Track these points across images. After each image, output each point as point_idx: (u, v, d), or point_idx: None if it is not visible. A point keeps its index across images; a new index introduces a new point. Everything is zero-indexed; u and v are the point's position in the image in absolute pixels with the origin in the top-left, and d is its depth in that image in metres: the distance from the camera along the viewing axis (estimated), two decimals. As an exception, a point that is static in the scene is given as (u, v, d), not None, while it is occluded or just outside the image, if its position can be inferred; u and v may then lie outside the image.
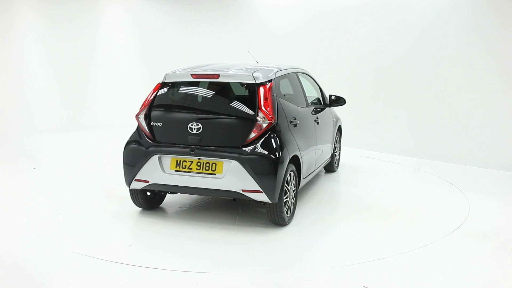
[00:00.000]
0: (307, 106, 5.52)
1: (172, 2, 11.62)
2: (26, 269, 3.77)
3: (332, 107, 6.52)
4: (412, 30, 8.08)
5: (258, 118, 4.42)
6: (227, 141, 4.45)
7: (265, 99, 4.49)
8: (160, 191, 5.04)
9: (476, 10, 7.34)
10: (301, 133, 5.02)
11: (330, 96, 6.29)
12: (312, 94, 6.26)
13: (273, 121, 4.45)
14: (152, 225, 4.74)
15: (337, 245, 4.29)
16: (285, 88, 5.17)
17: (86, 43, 10.85)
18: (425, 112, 8.05)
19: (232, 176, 4.35)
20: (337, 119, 6.87)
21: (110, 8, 11.25)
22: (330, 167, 6.82)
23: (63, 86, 10.60)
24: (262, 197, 4.35)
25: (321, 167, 6.12)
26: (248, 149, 4.37)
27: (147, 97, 4.87)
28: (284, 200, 4.56)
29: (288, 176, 4.58)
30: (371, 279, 3.57)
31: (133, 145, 4.74)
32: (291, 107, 4.96)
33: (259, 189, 4.32)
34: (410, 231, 4.63)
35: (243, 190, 4.37)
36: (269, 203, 4.45)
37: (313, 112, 5.69)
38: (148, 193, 5.07)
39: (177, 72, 4.93)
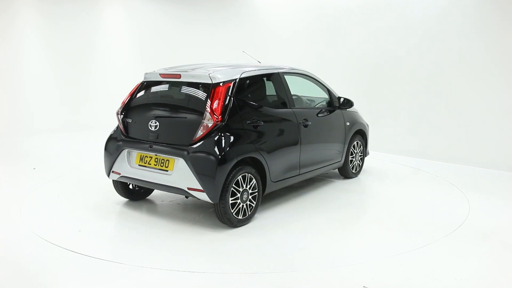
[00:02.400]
0: (289, 108, 5.34)
1: (172, 2, 11.62)
2: (26, 269, 3.77)
3: (350, 110, 6.38)
4: (412, 30, 8.08)
5: (204, 117, 4.47)
6: (179, 139, 4.57)
7: (216, 99, 4.52)
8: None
9: (478, 10, 7.34)
10: (267, 134, 4.91)
11: (339, 98, 6.17)
12: (314, 95, 6.23)
13: (218, 122, 4.45)
14: (151, 224, 4.74)
15: (337, 245, 4.29)
16: (257, 88, 5.08)
17: (86, 43, 10.85)
18: (425, 112, 8.05)
19: (179, 174, 4.48)
20: (354, 123, 6.43)
21: (110, 8, 11.26)
22: (344, 172, 6.50)
23: (63, 86, 10.60)
24: (204, 196, 4.40)
25: (321, 171, 5.93)
26: (193, 147, 4.45)
27: (127, 95, 5.21)
28: (232, 202, 4.50)
29: (239, 177, 4.54)
30: (371, 279, 3.57)
31: (111, 139, 5.11)
32: (254, 108, 4.87)
33: (201, 188, 4.38)
34: (410, 231, 4.63)
35: (188, 188, 4.46)
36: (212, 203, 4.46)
37: (303, 113, 5.51)
38: (137, 186, 5.35)
39: (155, 71, 5.14)
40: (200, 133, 4.46)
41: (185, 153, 4.44)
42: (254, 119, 4.78)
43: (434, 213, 5.18)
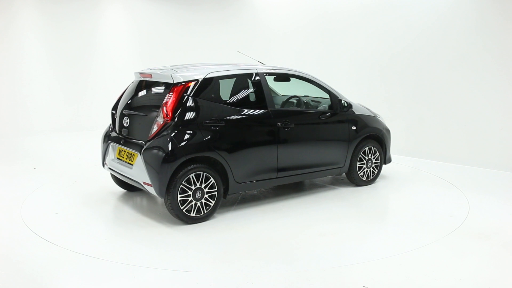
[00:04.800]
0: (267, 109, 5.17)
1: (173, 2, 11.62)
2: (26, 269, 3.77)
3: (363, 113, 6.08)
4: (412, 30, 8.07)
5: (158, 115, 4.68)
6: (141, 135, 4.83)
7: (170, 98, 4.66)
8: None
9: (477, 10, 7.34)
10: (230, 135, 4.87)
11: (340, 101, 5.83)
12: (307, 96, 6.16)
13: (168, 120, 4.61)
14: (150, 221, 4.75)
15: (337, 245, 4.29)
16: (225, 88, 5.08)
17: (86, 43, 10.85)
18: (425, 112, 8.05)
19: (138, 168, 4.71)
20: (364, 127, 6.01)
21: (110, 7, 11.26)
22: (352, 179, 6.10)
23: (63, 86, 10.60)
24: (153, 191, 4.58)
25: (314, 176, 5.71)
26: (147, 144, 4.67)
27: (121, 93, 5.59)
28: (182, 198, 4.59)
29: (191, 175, 4.61)
30: (371, 279, 3.57)
31: (105, 134, 5.51)
32: (216, 108, 4.86)
33: (150, 182, 4.57)
34: (410, 231, 4.64)
35: (144, 183, 4.69)
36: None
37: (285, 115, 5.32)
38: None
39: (142, 71, 5.38)
40: (154, 130, 4.66)
41: (141, 148, 4.68)
42: (213, 119, 4.80)
43: (434, 213, 5.18)
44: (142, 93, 5.18)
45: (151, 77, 5.07)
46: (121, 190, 5.88)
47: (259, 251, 4.14)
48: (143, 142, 4.71)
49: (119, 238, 4.54)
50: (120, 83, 11.21)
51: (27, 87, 10.12)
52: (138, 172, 4.70)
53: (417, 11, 7.99)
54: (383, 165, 6.46)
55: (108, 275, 3.66)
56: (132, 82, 5.42)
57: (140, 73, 5.25)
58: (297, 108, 5.84)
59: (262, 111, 5.17)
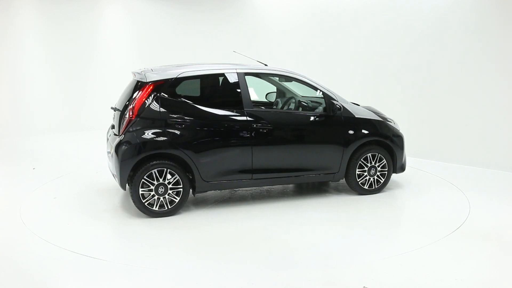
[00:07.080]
0: (243, 109, 5.11)
1: (172, 2, 11.61)
2: (26, 269, 3.77)
3: (368, 117, 5.70)
4: (412, 30, 8.07)
5: (127, 113, 4.91)
6: (119, 130, 5.05)
7: (138, 96, 4.90)
8: None
9: (477, 10, 7.34)
10: (196, 133, 4.94)
11: (332, 103, 5.45)
12: (298, 96, 6.13)
13: (132, 118, 4.84)
14: (148, 224, 4.75)
15: (338, 246, 4.29)
16: (198, 88, 5.25)
17: (86, 43, 10.85)
18: (425, 112, 8.05)
19: (112, 161, 4.99)
20: (363, 131, 5.59)
21: (110, 8, 11.26)
22: (352, 187, 5.74)
23: (63, 86, 10.60)
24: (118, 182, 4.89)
25: (300, 180, 5.48)
26: (117, 139, 4.94)
27: None
28: (144, 192, 4.81)
29: (154, 171, 4.80)
30: (371, 279, 3.57)
31: (108, 129, 5.71)
32: (184, 107, 4.98)
33: (115, 174, 4.91)
34: (410, 231, 4.63)
35: (114, 175, 5.03)
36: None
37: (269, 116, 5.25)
38: None
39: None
40: (123, 126, 4.91)
41: (114, 142, 4.95)
42: (179, 117, 4.93)
43: (434, 213, 5.18)
44: (127, 91, 5.35)
45: (136, 76, 5.28)
46: (120, 189, 5.86)
47: (258, 251, 4.13)
48: (117, 137, 4.97)
49: (119, 238, 4.54)
50: (120, 83, 11.20)
51: (27, 87, 10.12)
52: (112, 164, 5.00)
53: (418, 11, 7.98)
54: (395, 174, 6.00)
55: (108, 275, 3.65)
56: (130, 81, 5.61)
57: (133, 73, 5.47)
58: (278, 110, 5.68)
59: (236, 111, 5.14)
